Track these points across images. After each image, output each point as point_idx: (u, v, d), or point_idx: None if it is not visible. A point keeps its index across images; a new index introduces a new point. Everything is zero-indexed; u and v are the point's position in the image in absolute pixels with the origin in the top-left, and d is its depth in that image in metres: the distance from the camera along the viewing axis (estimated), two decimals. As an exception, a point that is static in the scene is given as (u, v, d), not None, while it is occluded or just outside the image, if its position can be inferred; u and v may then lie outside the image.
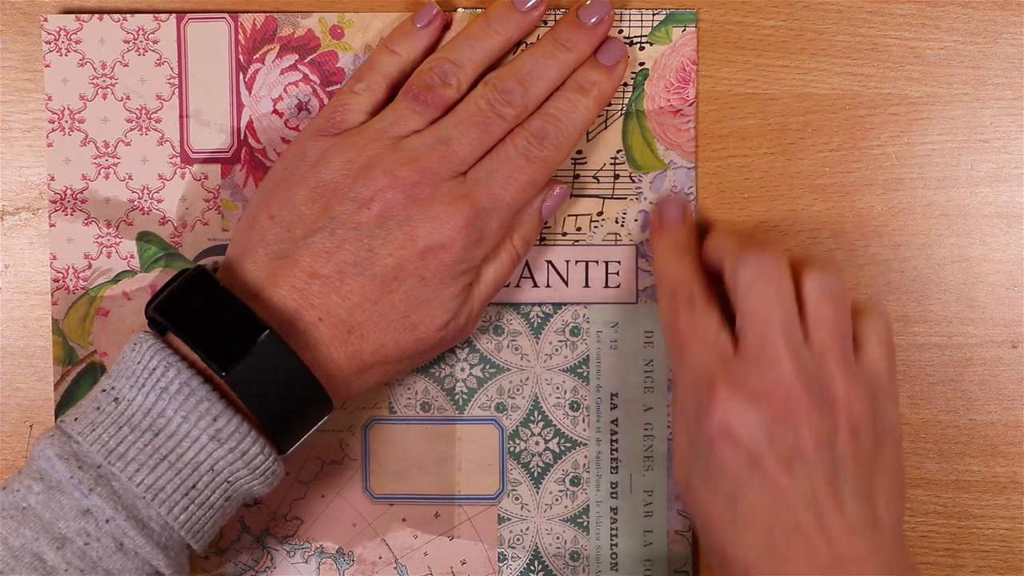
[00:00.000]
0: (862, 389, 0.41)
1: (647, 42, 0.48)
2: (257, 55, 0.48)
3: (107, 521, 0.39)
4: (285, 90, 0.49)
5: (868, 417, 0.41)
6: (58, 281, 0.49)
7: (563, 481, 0.49)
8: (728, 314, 0.43)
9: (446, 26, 0.47)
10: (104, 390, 0.41)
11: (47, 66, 0.48)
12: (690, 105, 0.48)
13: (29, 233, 0.49)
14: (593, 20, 0.45)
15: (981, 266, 0.49)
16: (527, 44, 0.47)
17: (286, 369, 0.41)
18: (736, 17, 0.49)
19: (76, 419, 0.41)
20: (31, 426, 0.50)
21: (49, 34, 0.48)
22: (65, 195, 0.49)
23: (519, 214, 0.45)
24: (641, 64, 0.48)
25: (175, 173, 0.49)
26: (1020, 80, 0.49)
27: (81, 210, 0.49)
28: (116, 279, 0.49)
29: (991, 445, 0.49)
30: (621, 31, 0.48)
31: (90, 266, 0.49)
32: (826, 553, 0.39)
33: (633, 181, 0.49)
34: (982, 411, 0.49)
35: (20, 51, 0.49)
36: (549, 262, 0.49)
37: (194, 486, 0.40)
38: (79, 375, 0.49)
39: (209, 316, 0.41)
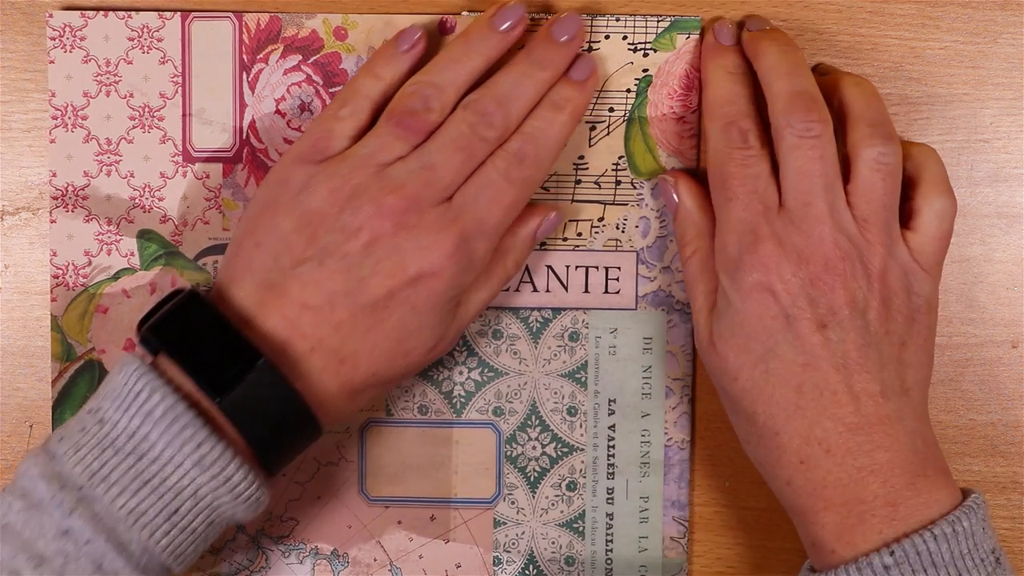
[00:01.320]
0: (900, 262, 0.42)
1: (651, 49, 0.48)
2: (261, 55, 0.48)
3: (87, 542, 0.39)
4: (288, 90, 0.49)
5: (903, 290, 0.42)
6: (58, 278, 0.49)
7: (559, 486, 0.49)
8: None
9: (448, 30, 0.47)
10: (90, 411, 0.41)
11: (51, 62, 0.48)
12: (693, 112, 0.48)
13: (29, 233, 0.49)
14: (565, 38, 0.45)
15: (981, 266, 0.49)
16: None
17: (279, 398, 0.41)
18: (736, 17, 0.49)
19: (61, 439, 0.41)
20: (31, 426, 0.50)
21: (54, 30, 0.48)
22: (66, 192, 0.49)
23: (513, 236, 0.46)
24: (645, 71, 0.48)
25: (177, 171, 0.49)
26: (1020, 80, 0.49)
27: (82, 207, 0.49)
28: (116, 276, 0.49)
29: (991, 445, 0.49)
30: (625, 37, 0.48)
31: (90, 263, 0.49)
32: (853, 414, 0.41)
33: (635, 187, 0.49)
34: (982, 411, 0.49)
35: (21, 51, 0.49)
36: (549, 267, 0.49)
37: (176, 511, 0.40)
38: (77, 372, 0.49)
39: (204, 342, 0.41)
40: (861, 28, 0.48)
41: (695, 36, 0.48)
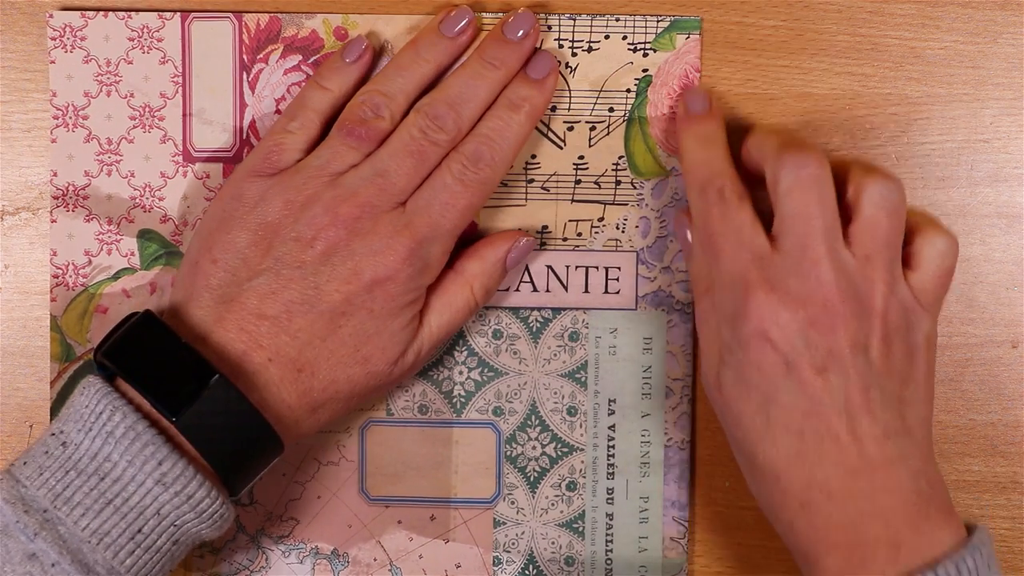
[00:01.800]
0: (901, 299, 0.41)
1: (651, 48, 0.48)
2: (261, 55, 0.48)
3: (52, 565, 0.39)
4: (288, 90, 0.49)
5: (904, 328, 0.41)
6: (58, 277, 0.49)
7: (559, 486, 0.49)
8: (764, 215, 0.43)
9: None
10: (53, 434, 0.41)
11: (52, 62, 0.48)
12: None
13: (29, 233, 0.49)
14: (519, 34, 0.45)
15: (981, 266, 0.49)
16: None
17: (236, 412, 0.41)
18: (736, 17, 0.49)
19: (25, 463, 0.41)
20: (31, 426, 0.50)
21: (54, 30, 0.48)
22: (67, 191, 0.49)
23: (481, 261, 0.46)
24: (645, 71, 0.48)
25: (177, 171, 0.49)
26: (1020, 80, 0.49)
27: (83, 207, 0.49)
28: (116, 276, 0.49)
29: (991, 445, 0.49)
30: (625, 37, 0.48)
31: (90, 263, 0.49)
32: (856, 457, 0.40)
33: (635, 187, 0.49)
34: (982, 411, 0.49)
35: (21, 51, 0.49)
36: (549, 267, 0.49)
37: (140, 530, 0.40)
38: (76, 372, 0.49)
39: (158, 361, 0.41)
40: (861, 28, 0.48)
41: (695, 36, 0.48)
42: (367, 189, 0.43)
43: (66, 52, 0.48)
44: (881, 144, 0.49)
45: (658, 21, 0.48)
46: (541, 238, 0.49)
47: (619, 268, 0.49)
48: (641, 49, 0.48)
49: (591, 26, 0.48)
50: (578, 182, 0.49)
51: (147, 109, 0.49)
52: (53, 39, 0.48)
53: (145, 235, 0.49)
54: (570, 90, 0.48)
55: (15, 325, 0.50)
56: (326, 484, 0.49)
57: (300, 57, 0.48)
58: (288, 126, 0.45)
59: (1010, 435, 0.49)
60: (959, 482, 0.49)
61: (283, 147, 0.44)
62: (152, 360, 0.41)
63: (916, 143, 0.49)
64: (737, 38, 0.49)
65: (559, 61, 0.47)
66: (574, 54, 0.48)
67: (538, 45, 0.47)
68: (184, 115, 0.49)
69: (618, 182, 0.49)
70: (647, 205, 0.49)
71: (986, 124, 0.49)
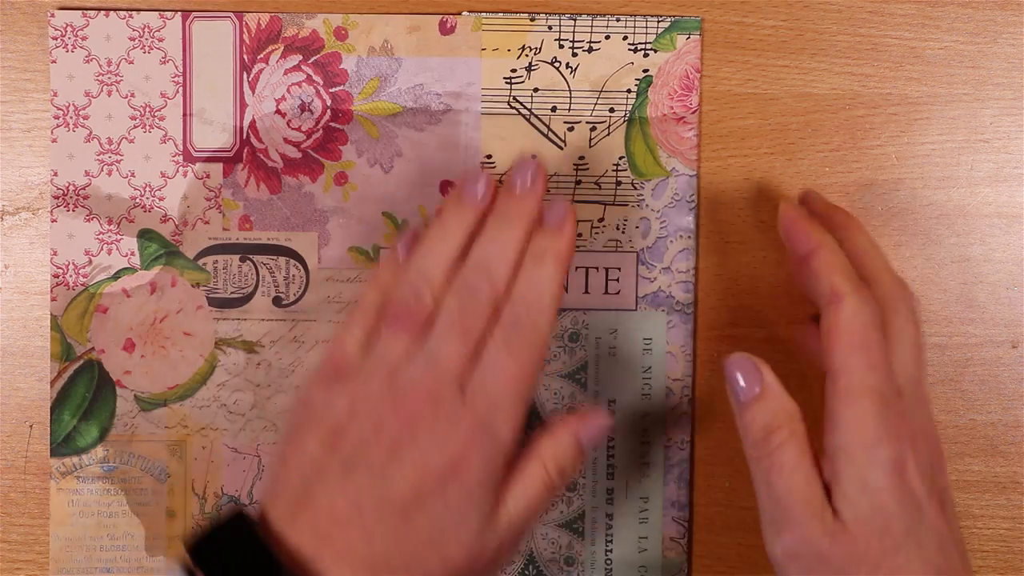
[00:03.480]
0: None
1: (651, 49, 0.48)
2: (261, 55, 0.48)
3: None
4: (288, 91, 0.49)
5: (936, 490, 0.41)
6: (58, 277, 0.49)
7: None
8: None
9: (448, 31, 0.47)
10: None
11: (53, 62, 0.48)
12: (693, 113, 0.48)
13: (29, 233, 0.49)
14: (525, 185, 0.44)
15: (981, 266, 0.49)
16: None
17: None
18: (736, 17, 0.49)
19: None
20: (31, 426, 0.50)
21: (56, 30, 0.48)
22: (68, 191, 0.49)
23: (555, 442, 0.44)
24: (645, 71, 0.48)
25: (177, 171, 0.49)
26: (1020, 80, 0.49)
27: (83, 206, 0.49)
28: (116, 276, 0.49)
29: (991, 445, 0.49)
30: (626, 37, 0.48)
31: (90, 262, 0.49)
32: None
33: (635, 188, 0.49)
34: (982, 411, 0.49)
35: (20, 51, 0.49)
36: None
37: None
38: (76, 372, 0.49)
39: (234, 561, 0.41)
40: (861, 28, 0.48)
41: (696, 37, 0.48)
42: (423, 380, 0.42)
43: (67, 51, 0.48)
44: (881, 144, 0.49)
45: (658, 21, 0.48)
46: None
47: (619, 269, 0.49)
48: (642, 49, 0.48)
49: (591, 26, 0.48)
50: (578, 182, 0.49)
51: (147, 109, 0.49)
52: (54, 38, 0.48)
53: (145, 235, 0.49)
54: (570, 90, 0.48)
55: (15, 325, 0.50)
56: None
57: (300, 57, 0.48)
58: (348, 327, 0.45)
59: (1010, 435, 0.49)
60: (959, 482, 0.49)
61: (344, 349, 0.44)
62: (229, 560, 0.41)
63: (916, 143, 0.49)
64: (737, 38, 0.49)
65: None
66: (574, 54, 0.48)
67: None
68: (184, 115, 0.49)
69: (618, 183, 0.49)
70: (647, 206, 0.49)
71: (986, 124, 0.49)
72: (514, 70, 0.48)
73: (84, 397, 0.49)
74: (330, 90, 0.49)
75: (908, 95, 0.49)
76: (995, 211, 0.49)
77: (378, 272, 0.46)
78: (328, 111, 0.49)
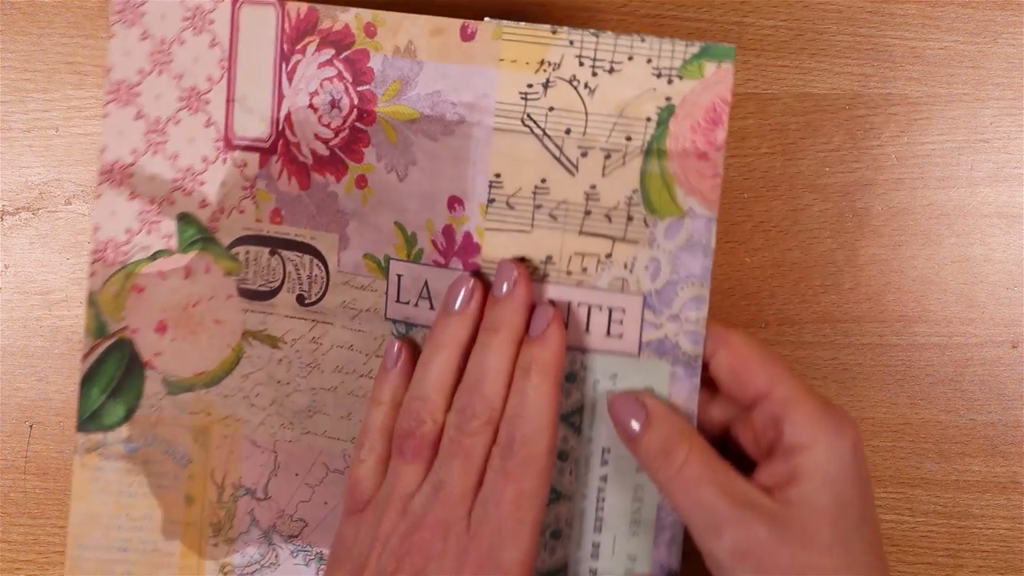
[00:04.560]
0: None
1: (677, 75, 0.44)
2: (299, 45, 0.47)
3: None
4: (321, 85, 0.48)
5: None
6: (98, 253, 0.48)
7: (543, 533, 0.46)
8: None
9: (469, 37, 0.46)
10: None
11: (112, 36, 0.47)
12: (718, 150, 0.44)
13: (29, 233, 0.49)
14: (504, 289, 0.43)
15: (981, 266, 0.49)
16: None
17: None
18: (736, 17, 0.49)
19: None
20: (31, 426, 0.50)
21: (118, 4, 0.47)
22: (114, 168, 0.48)
23: None
24: (668, 99, 0.44)
25: (218, 157, 0.48)
26: (1020, 80, 0.49)
27: (127, 184, 0.48)
28: (153, 257, 0.48)
29: (991, 445, 0.49)
30: (650, 60, 0.44)
31: (130, 241, 0.48)
32: None
33: (647, 226, 0.45)
34: (982, 411, 0.49)
35: (21, 51, 0.49)
36: (550, 301, 0.45)
37: None
38: (107, 350, 0.48)
39: None
40: (861, 28, 0.48)
41: (728, 66, 0.43)
42: (431, 509, 0.42)
43: (127, 27, 0.47)
44: (881, 144, 0.49)
45: (687, 46, 0.44)
46: (544, 269, 0.46)
47: (624, 311, 0.45)
48: (666, 75, 0.44)
49: (615, 45, 0.44)
50: (588, 213, 0.45)
51: (195, 92, 0.48)
52: (116, 12, 0.47)
53: (184, 219, 0.49)
54: (587, 113, 0.45)
55: (15, 325, 0.50)
56: (332, 491, 0.49)
57: (333, 51, 0.48)
58: (360, 455, 0.45)
59: (1010, 435, 0.49)
60: (959, 482, 0.49)
61: (359, 481, 0.45)
62: None
63: (916, 143, 0.49)
64: (737, 38, 0.49)
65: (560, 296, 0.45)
66: (594, 73, 0.45)
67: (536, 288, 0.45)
68: (228, 100, 0.48)
69: (630, 217, 0.45)
70: (659, 246, 0.45)
71: (986, 124, 0.49)
72: (531, 85, 0.45)
73: (113, 375, 0.48)
74: (357, 88, 0.48)
75: (908, 95, 0.49)
76: (995, 211, 0.49)
77: (376, 390, 0.46)
78: (355, 110, 0.47)
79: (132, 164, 0.48)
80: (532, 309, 0.44)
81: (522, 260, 0.45)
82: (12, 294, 0.50)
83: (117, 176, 0.48)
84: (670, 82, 0.44)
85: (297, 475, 0.49)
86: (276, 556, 0.49)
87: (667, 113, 0.44)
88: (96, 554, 0.49)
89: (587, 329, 0.45)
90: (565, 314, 0.45)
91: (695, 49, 0.43)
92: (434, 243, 0.46)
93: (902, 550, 0.50)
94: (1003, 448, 0.49)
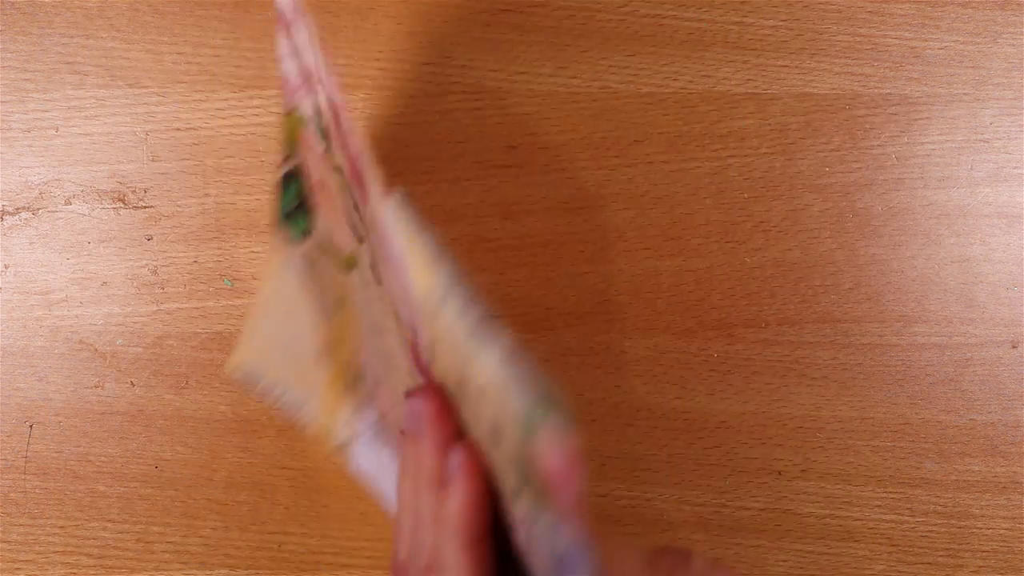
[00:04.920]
0: None
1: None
2: None
3: None
4: None
5: None
6: (282, 82, 0.42)
7: None
8: None
9: None
10: None
11: None
12: None
13: (29, 233, 0.49)
14: (415, 434, 0.40)
15: (981, 266, 0.49)
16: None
17: None
18: (736, 17, 0.49)
19: None
20: (31, 426, 0.50)
21: None
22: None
23: None
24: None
25: None
26: (1020, 80, 0.49)
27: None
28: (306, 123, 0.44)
29: (991, 445, 0.49)
30: None
31: (297, 92, 0.43)
32: None
33: None
34: (982, 411, 0.49)
35: (21, 51, 0.49)
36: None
37: None
38: (289, 174, 0.45)
39: None
40: (861, 28, 0.48)
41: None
42: None
43: None
44: (881, 144, 0.49)
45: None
46: None
47: None
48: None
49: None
50: None
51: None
52: None
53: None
54: None
55: (15, 325, 0.50)
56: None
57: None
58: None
59: (1010, 435, 0.49)
60: (959, 482, 0.49)
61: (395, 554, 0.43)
62: None
63: (916, 143, 0.49)
64: (737, 38, 0.49)
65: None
66: None
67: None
68: None
69: None
70: None
71: (986, 124, 0.49)
72: None
73: (292, 202, 0.46)
74: None
75: (908, 95, 0.49)
76: (995, 211, 0.49)
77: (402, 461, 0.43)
78: None
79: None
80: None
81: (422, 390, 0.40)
82: (12, 294, 0.50)
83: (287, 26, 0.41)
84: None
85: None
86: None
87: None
88: (268, 332, 0.47)
89: None
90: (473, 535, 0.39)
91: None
92: None
93: (902, 550, 0.50)
94: (1003, 448, 0.49)
